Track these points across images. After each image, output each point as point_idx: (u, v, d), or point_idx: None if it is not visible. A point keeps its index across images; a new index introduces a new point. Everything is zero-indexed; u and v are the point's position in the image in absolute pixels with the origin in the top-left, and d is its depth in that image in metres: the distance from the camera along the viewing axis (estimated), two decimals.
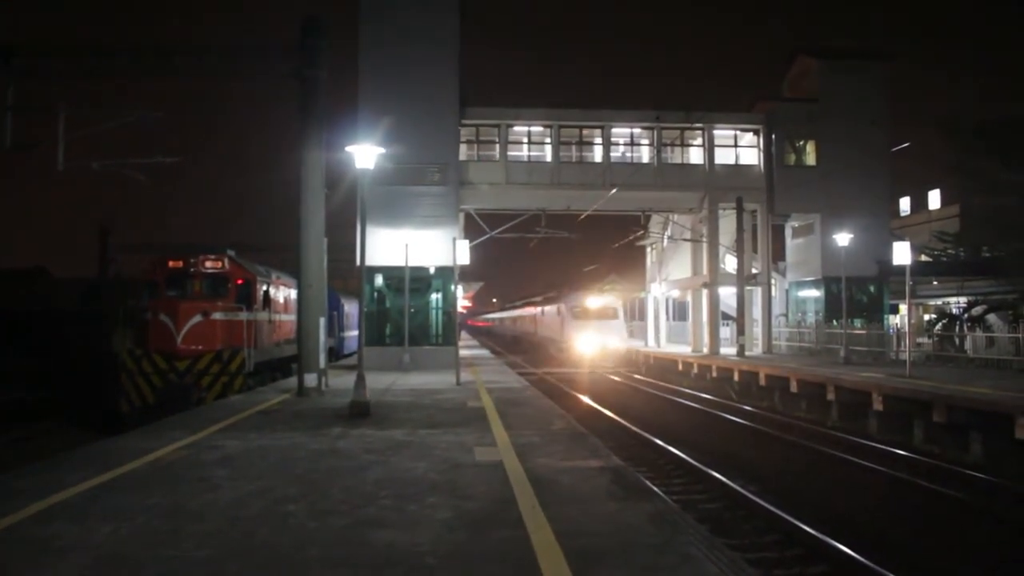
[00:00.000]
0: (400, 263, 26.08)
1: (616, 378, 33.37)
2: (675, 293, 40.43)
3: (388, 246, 26.74)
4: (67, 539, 6.47)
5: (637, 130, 32.34)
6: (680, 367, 32.38)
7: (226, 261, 21.04)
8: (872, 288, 33.16)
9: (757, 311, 33.72)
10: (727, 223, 32.25)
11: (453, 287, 25.85)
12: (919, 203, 55.50)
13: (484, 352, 44.79)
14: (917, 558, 9.21)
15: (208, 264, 20.92)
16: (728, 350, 32.43)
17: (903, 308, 35.67)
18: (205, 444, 11.23)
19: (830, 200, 31.98)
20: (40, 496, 7.91)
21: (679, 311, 43.93)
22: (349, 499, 7.86)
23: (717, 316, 32.97)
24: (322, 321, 18.49)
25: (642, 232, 39.26)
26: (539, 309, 54.80)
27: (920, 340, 30.61)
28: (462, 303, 45.47)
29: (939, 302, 41.75)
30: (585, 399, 24.28)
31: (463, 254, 22.56)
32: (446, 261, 24.33)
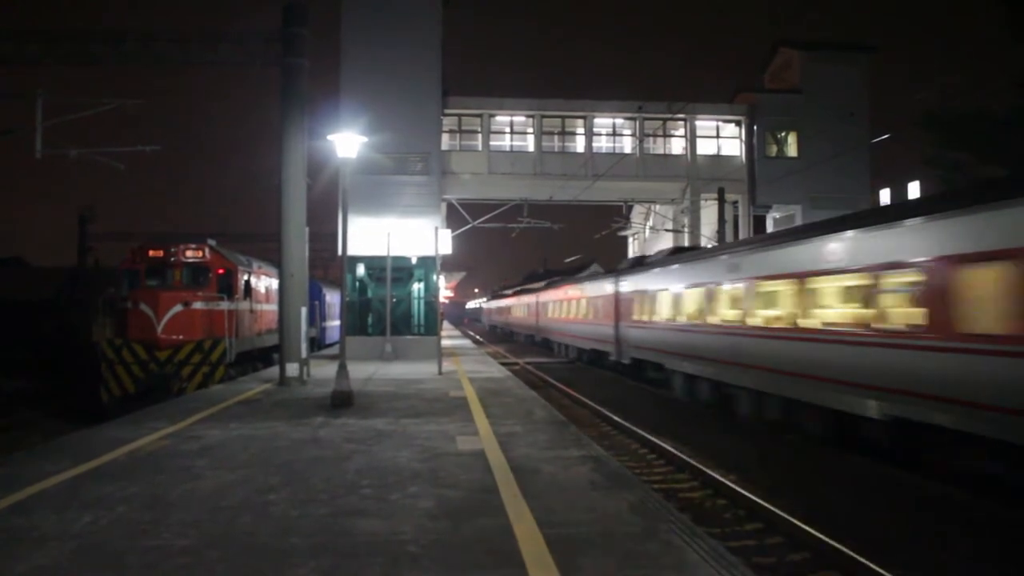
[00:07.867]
0: (382, 252, 25.98)
1: (598, 368, 33.42)
2: None
3: (370, 235, 26.63)
4: (45, 529, 6.43)
5: (619, 120, 32.43)
6: None
7: (207, 250, 20.89)
8: None
9: None
10: (708, 214, 32.37)
11: (435, 276, 25.84)
12: (899, 195, 55.88)
13: (466, 342, 44.78)
14: None
15: (189, 253, 20.76)
16: None
17: None
18: (186, 434, 11.19)
19: (811, 191, 32.17)
20: (18, 486, 7.86)
21: None
22: (331, 488, 7.86)
23: None
24: (304, 310, 18.43)
25: (624, 222, 39.37)
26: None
27: None
28: (444, 293, 45.46)
29: None
30: (564, 388, 24.31)
31: (445, 244, 22.54)
32: (428, 251, 24.30)
